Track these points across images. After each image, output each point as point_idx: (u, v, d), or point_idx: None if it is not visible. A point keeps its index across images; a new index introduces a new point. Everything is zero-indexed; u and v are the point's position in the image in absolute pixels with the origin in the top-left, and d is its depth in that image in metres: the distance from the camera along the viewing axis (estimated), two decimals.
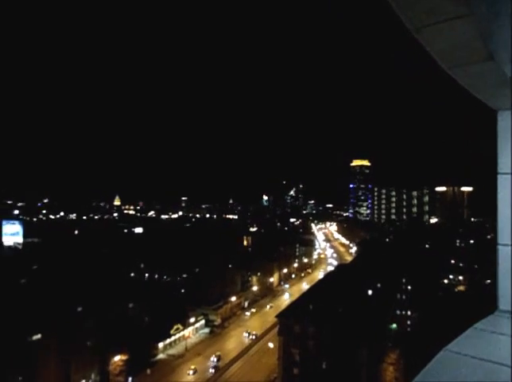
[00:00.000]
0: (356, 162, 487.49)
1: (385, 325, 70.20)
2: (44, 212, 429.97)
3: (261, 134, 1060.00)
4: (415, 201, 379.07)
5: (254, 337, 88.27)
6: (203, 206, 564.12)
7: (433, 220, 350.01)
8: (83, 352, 60.19)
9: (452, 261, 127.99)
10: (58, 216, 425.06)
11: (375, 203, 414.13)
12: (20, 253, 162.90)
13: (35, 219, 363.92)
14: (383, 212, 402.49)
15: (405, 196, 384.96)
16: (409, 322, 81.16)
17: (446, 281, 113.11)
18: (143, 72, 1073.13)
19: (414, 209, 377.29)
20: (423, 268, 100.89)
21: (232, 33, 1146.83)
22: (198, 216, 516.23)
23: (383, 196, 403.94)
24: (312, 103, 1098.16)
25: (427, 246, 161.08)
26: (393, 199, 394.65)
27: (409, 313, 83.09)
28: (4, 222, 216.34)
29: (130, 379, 64.69)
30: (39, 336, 57.17)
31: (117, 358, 63.47)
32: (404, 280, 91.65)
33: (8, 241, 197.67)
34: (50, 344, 56.37)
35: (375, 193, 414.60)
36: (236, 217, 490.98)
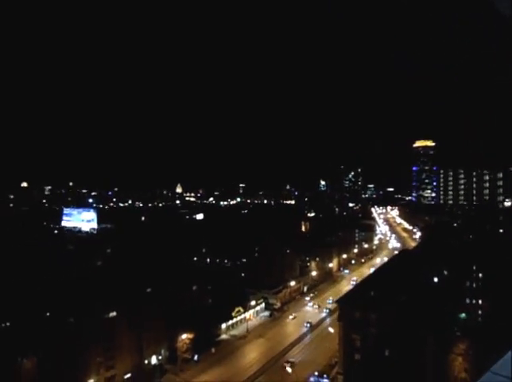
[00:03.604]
0: (419, 143, 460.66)
1: (453, 314, 66.72)
2: (115, 200, 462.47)
3: (318, 117, 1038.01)
4: (487, 183, 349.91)
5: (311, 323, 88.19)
6: (261, 192, 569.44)
7: (508, 204, 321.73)
8: (153, 329, 64.77)
9: None
10: (126, 203, 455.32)
11: (441, 186, 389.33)
12: (95, 238, 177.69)
13: (107, 207, 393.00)
14: (450, 195, 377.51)
15: (475, 178, 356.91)
16: (480, 312, 76.27)
17: None
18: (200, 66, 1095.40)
19: (486, 191, 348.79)
20: (496, 255, 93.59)
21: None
22: (256, 202, 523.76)
23: (450, 179, 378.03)
24: (370, 83, 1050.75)
25: (501, 231, 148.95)
26: (462, 181, 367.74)
27: (480, 302, 77.98)
28: (81, 209, 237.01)
29: (196, 356, 68.50)
30: (114, 313, 62.44)
31: (184, 336, 67.36)
32: (474, 267, 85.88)
33: (85, 227, 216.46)
34: (124, 322, 61.35)
35: (441, 175, 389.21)
36: (293, 203, 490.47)
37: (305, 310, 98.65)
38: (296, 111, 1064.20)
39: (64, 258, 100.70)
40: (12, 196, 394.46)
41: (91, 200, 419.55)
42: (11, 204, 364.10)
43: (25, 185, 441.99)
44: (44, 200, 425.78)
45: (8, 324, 65.68)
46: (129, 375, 60.45)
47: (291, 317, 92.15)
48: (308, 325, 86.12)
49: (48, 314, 63.38)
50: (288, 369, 64.13)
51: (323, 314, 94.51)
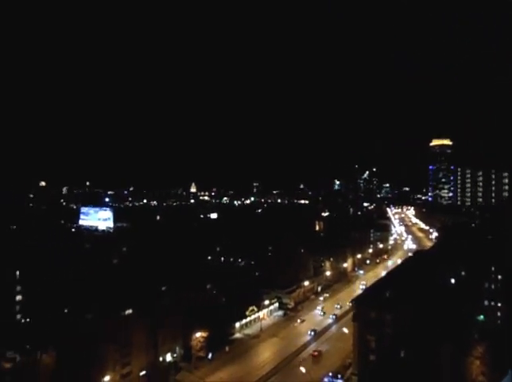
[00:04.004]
0: (436, 142, 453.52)
1: (471, 317, 65.53)
2: (130, 199, 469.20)
3: (332, 116, 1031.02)
4: (506, 183, 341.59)
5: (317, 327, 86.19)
6: (275, 192, 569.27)
7: None
8: (167, 327, 65.44)
9: None
10: (141, 202, 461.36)
11: (458, 185, 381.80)
12: (111, 236, 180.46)
13: (122, 206, 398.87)
14: (468, 195, 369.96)
15: (494, 178, 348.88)
16: (498, 314, 74.66)
17: None
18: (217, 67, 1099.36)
19: (505, 192, 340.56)
20: None
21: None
22: (269, 201, 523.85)
23: (468, 178, 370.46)
24: (384, 80, 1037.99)
25: None
26: (480, 181, 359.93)
27: (498, 304, 76.32)
28: (97, 208, 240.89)
29: (210, 354, 68.94)
30: (130, 311, 63.37)
31: (198, 334, 67.86)
32: (493, 269, 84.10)
33: (101, 226, 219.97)
34: (140, 319, 62.20)
35: (458, 175, 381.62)
36: (307, 202, 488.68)
37: (314, 314, 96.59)
38: (311, 110, 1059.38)
39: (81, 256, 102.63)
40: (31, 196, 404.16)
41: (107, 200, 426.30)
42: (31, 204, 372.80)
43: (43, 184, 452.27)
44: (61, 200, 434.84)
45: (29, 320, 67.43)
46: (144, 372, 61.28)
47: (299, 320, 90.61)
48: (312, 333, 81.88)
49: (66, 311, 64.82)
50: (302, 369, 63.98)
51: (330, 320, 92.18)
